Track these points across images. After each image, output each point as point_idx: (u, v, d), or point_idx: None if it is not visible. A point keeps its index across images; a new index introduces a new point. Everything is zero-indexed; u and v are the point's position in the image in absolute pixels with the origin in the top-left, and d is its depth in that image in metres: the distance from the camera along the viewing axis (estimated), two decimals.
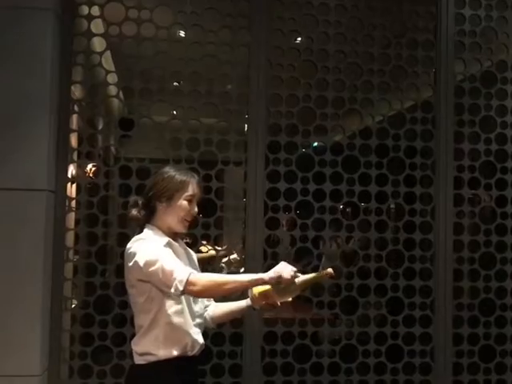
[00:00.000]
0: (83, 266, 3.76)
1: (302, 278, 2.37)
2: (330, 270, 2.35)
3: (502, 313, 4.00)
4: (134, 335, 3.31)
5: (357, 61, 3.99)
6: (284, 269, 2.31)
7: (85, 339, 3.65)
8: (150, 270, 2.29)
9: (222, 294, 2.48)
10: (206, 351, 2.58)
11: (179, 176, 2.48)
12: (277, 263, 3.73)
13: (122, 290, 3.37)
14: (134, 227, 2.52)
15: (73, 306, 3.77)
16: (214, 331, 3.65)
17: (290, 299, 2.45)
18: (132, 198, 2.57)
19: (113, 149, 4.59)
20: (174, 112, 4.05)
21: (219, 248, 4.28)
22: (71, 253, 3.77)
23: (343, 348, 3.90)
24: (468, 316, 3.98)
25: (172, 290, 2.26)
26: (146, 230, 2.45)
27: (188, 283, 2.25)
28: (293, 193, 3.88)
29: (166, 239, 2.43)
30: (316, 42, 3.96)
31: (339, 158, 3.96)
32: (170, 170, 2.51)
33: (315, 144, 4.29)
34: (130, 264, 2.37)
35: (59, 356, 3.58)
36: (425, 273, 3.97)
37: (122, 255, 3.62)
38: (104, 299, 3.68)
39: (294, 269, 2.33)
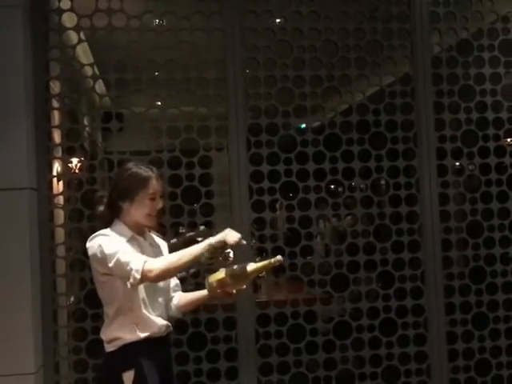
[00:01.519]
0: (72, 262, 3.74)
1: (253, 265, 2.43)
2: (279, 257, 2.41)
3: (493, 280, 4.02)
4: None
5: (332, 38, 3.97)
6: (229, 233, 2.37)
7: (78, 334, 3.66)
8: (110, 265, 2.37)
9: (179, 270, 2.52)
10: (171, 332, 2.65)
11: (139, 175, 2.50)
12: (264, 246, 3.83)
13: None
14: (101, 224, 2.54)
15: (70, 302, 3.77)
16: (207, 317, 3.71)
17: (244, 287, 2.52)
18: (98, 194, 2.62)
19: (99, 143, 4.56)
20: (159, 103, 4.02)
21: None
22: (61, 249, 3.76)
23: (337, 325, 3.92)
24: (459, 285, 4.00)
25: (131, 281, 2.33)
26: (110, 227, 2.50)
27: (144, 271, 2.32)
28: (277, 174, 3.88)
29: (129, 235, 2.49)
30: (290, 21, 3.94)
31: (321, 136, 3.96)
32: (130, 168, 2.52)
33: (303, 125, 4.27)
34: (92, 259, 2.45)
35: (54, 352, 3.59)
36: (413, 245, 3.98)
37: None
38: (94, 293, 3.67)
39: (239, 235, 2.39)
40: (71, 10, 3.74)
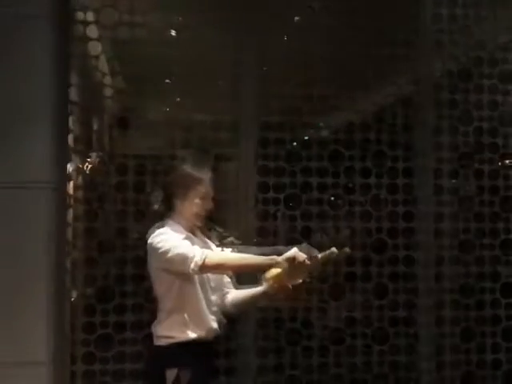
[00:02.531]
0: (86, 258, 3.93)
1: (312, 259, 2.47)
2: (333, 249, 2.46)
3: (482, 296, 4.22)
4: (134, 322, 3.57)
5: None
6: (296, 253, 2.44)
7: (88, 328, 3.85)
8: (168, 256, 2.48)
9: (236, 271, 2.67)
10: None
11: (193, 174, 2.62)
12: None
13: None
14: (156, 220, 2.67)
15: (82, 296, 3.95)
16: None
17: (301, 281, 2.55)
18: (153, 194, 2.78)
19: (109, 146, 4.76)
20: (167, 108, 4.21)
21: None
22: (77, 245, 3.96)
23: (332, 331, 4.11)
24: (450, 300, 4.19)
25: (191, 266, 2.43)
26: (166, 226, 2.61)
27: (207, 258, 2.44)
28: (282, 186, 4.08)
29: (184, 234, 2.59)
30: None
31: (325, 152, 4.16)
32: (184, 167, 2.65)
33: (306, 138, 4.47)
34: (152, 255, 2.57)
35: (65, 344, 3.77)
36: (408, 260, 4.18)
37: (121, 247, 3.88)
38: (105, 289, 3.88)
39: (305, 256, 2.45)
40: (96, 21, 3.96)
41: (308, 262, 2.44)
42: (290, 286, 2.56)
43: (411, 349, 4.14)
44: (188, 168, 2.66)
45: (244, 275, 2.83)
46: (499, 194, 4.27)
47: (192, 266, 2.44)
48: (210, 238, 2.75)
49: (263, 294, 2.68)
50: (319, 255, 2.47)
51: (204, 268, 2.46)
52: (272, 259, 2.47)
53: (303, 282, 2.56)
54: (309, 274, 2.56)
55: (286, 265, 2.44)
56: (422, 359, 4.12)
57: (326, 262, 2.51)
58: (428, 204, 4.17)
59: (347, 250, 2.50)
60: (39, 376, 3.51)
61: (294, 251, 2.45)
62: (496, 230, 4.25)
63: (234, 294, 2.78)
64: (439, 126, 4.23)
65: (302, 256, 2.44)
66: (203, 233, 2.74)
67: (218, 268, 2.52)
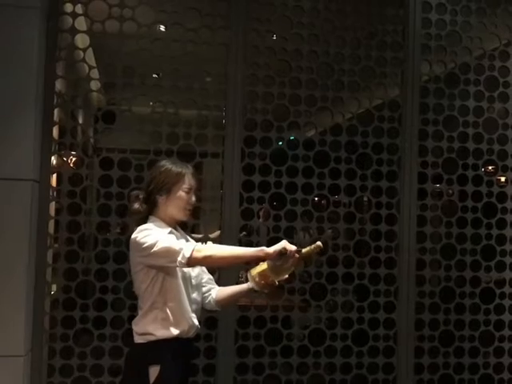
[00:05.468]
0: (66, 252, 3.90)
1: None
2: (318, 243, 2.48)
3: (461, 300, 4.27)
4: (114, 318, 3.57)
5: (328, 61, 4.19)
6: (286, 244, 2.45)
7: (67, 322, 3.82)
8: (153, 250, 2.46)
9: (225, 263, 2.68)
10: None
11: (175, 169, 2.64)
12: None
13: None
14: (137, 220, 2.66)
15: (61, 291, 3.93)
16: None
17: (287, 276, 2.56)
18: (133, 193, 2.76)
19: (92, 140, 4.74)
20: (151, 103, 4.19)
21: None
22: (57, 240, 3.94)
23: (312, 332, 4.13)
24: (429, 303, 4.23)
25: (179, 259, 2.41)
26: (149, 222, 2.61)
27: (194, 250, 2.42)
28: (267, 185, 4.09)
29: (169, 229, 2.60)
30: (290, 42, 4.16)
31: (311, 153, 4.18)
32: (166, 164, 2.67)
33: (292, 137, 4.49)
34: (134, 251, 2.56)
35: (42, 338, 3.74)
36: (389, 262, 4.21)
37: (102, 243, 3.87)
38: (84, 284, 3.86)
39: (294, 247, 2.45)
40: (85, 14, 3.94)
41: (297, 254, 2.44)
42: (277, 283, 2.57)
43: (390, 351, 4.17)
44: (167, 165, 2.67)
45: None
46: (482, 200, 4.31)
47: (179, 258, 2.43)
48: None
49: (248, 291, 2.70)
50: (303, 250, 2.48)
51: (192, 260, 2.44)
52: (261, 250, 2.46)
53: (288, 278, 2.57)
54: (293, 271, 2.56)
55: (275, 256, 2.44)
56: (400, 361, 4.14)
57: (311, 255, 2.52)
58: (411, 208, 4.20)
59: (319, 243, 2.49)
60: (16, 369, 3.51)
61: (283, 243, 2.46)
62: (478, 235, 4.30)
63: (219, 291, 2.80)
64: (424, 131, 4.26)
65: (292, 247, 2.44)
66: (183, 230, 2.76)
67: (207, 260, 2.48)
